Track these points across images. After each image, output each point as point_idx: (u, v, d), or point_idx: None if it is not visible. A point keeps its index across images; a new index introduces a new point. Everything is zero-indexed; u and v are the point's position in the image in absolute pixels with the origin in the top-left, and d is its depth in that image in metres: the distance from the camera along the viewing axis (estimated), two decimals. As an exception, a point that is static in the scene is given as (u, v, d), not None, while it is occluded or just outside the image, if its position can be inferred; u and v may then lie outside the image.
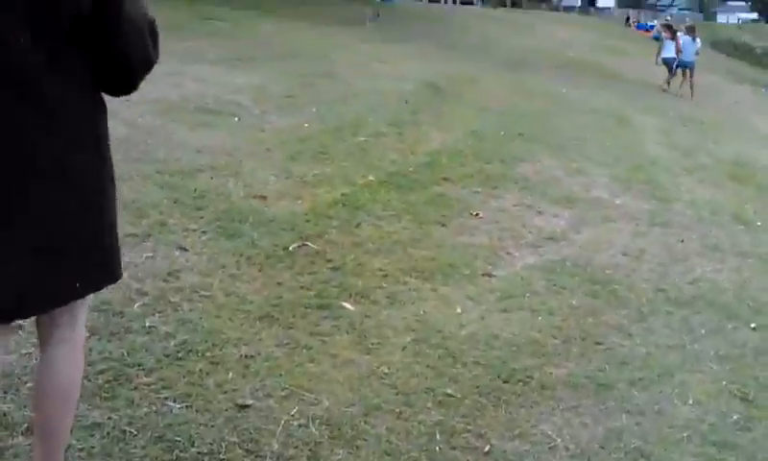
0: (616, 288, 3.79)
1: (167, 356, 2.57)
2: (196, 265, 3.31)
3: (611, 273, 4.00)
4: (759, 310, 3.82)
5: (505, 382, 2.78)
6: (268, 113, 6.40)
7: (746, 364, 3.22)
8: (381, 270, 3.59)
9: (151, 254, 3.31)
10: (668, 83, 14.60)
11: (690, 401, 2.85)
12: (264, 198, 4.29)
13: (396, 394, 2.60)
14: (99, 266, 1.59)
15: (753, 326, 3.60)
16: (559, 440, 2.49)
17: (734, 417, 2.84)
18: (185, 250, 3.43)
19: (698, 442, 2.62)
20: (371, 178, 5.00)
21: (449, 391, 2.66)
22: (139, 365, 2.50)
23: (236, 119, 6.00)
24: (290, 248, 3.65)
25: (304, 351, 2.78)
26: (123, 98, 1.65)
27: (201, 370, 2.53)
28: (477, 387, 2.71)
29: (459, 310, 3.31)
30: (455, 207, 4.72)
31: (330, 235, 3.91)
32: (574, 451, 2.45)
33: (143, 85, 1.64)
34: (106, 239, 1.59)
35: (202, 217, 3.83)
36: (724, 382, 3.01)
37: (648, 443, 2.54)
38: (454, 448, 2.37)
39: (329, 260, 3.60)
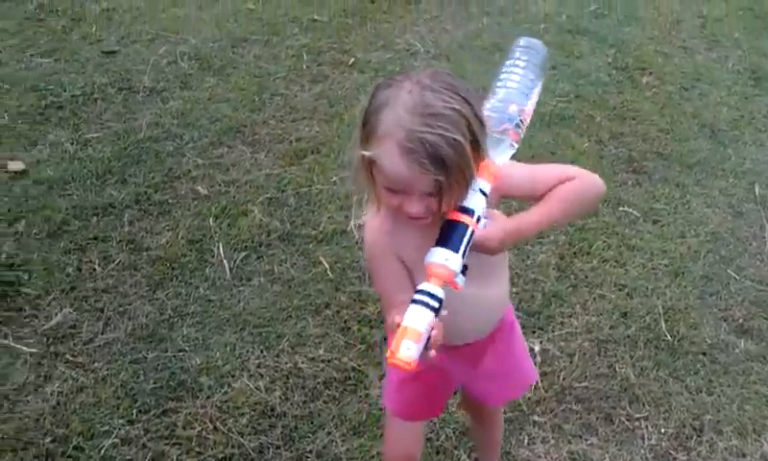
0: None
1: (27, 19, 2.58)
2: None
3: None
4: None
5: (372, 2, 2.87)
6: None
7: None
8: None
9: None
10: None
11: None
12: None
13: (263, 25, 2.69)
14: None
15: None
16: (421, 46, 2.65)
17: (592, 7, 3.03)
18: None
19: (555, 32, 2.81)
20: None
21: (315, 17, 2.76)
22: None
23: None
24: None
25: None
26: None
27: (63, 26, 2.56)
28: (344, 10, 2.82)
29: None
30: None
31: None
32: (435, 53, 2.62)
33: None
34: None
35: None
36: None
37: (505, 38, 2.72)
38: (321, 65, 2.53)
39: None
